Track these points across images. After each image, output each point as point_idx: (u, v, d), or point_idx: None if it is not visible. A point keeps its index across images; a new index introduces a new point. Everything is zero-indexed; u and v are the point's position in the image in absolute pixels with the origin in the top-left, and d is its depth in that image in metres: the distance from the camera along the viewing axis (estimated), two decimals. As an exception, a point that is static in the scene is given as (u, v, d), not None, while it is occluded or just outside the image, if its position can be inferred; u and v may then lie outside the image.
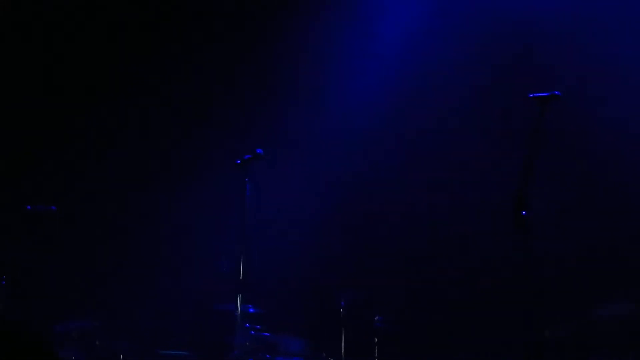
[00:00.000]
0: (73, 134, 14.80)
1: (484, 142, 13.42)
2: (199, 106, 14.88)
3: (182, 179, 14.63)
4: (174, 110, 14.85)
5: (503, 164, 12.07)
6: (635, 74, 12.50)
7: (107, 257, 14.55)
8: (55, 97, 14.61)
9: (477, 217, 13.18)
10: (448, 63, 13.79)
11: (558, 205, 12.38)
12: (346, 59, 14.67)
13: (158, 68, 14.84)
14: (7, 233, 12.84)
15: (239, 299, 10.07)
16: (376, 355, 12.74)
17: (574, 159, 12.77)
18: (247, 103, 14.84)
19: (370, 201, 14.28)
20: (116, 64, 14.82)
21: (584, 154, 12.76)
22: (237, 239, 10.13)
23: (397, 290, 13.68)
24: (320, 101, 14.57)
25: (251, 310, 12.36)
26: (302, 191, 14.20)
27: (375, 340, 12.77)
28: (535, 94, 7.71)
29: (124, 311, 14.11)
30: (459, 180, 13.66)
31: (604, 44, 12.70)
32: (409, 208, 14.02)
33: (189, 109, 14.87)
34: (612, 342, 11.42)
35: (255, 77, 14.87)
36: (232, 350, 11.83)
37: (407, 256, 13.89)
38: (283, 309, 13.03)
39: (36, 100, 14.51)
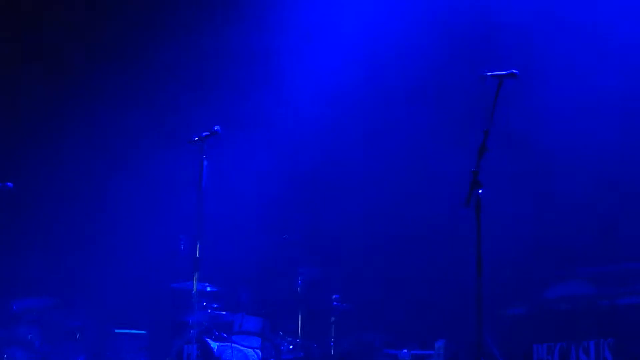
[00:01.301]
0: (30, 112, 14.72)
1: (440, 122, 13.45)
2: (158, 82, 14.81)
3: (138, 157, 14.55)
4: (131, 85, 14.77)
5: (458, 145, 12.13)
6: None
7: (64, 235, 14.48)
8: (8, 73, 14.53)
9: (432, 195, 13.21)
10: (406, 49, 13.79)
11: (510, 186, 12.49)
12: (311, 44, 14.63)
13: (115, 45, 14.78)
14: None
15: (195, 277, 10.01)
16: (333, 333, 12.78)
17: (525, 142, 12.86)
18: (205, 81, 14.80)
19: (328, 180, 14.28)
20: (75, 39, 14.75)
21: (536, 137, 12.84)
22: (194, 217, 10.06)
23: (353, 268, 13.72)
24: (281, 81, 14.55)
25: (208, 289, 12.37)
26: (260, 170, 14.19)
27: (332, 318, 12.81)
28: (492, 72, 7.71)
29: (81, 289, 14.07)
30: (416, 161, 13.67)
31: (561, 38, 12.78)
32: (367, 188, 14.05)
33: (147, 84, 14.81)
34: (565, 321, 11.52)
35: (216, 57, 14.82)
36: (189, 329, 11.83)
37: (363, 235, 13.93)
38: (240, 287, 13.02)
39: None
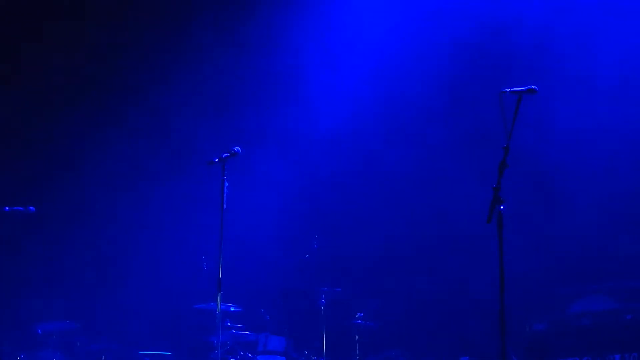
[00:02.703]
0: (51, 135, 14.75)
1: (460, 139, 13.47)
2: (177, 104, 14.85)
3: (160, 179, 14.59)
4: (151, 109, 14.81)
5: (479, 162, 12.13)
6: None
7: (87, 258, 14.51)
8: (31, 99, 14.59)
9: (454, 212, 13.20)
10: (425, 67, 13.78)
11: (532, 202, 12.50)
12: (330, 60, 14.64)
13: (136, 67, 14.81)
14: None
15: (218, 298, 9.98)
16: (357, 351, 12.76)
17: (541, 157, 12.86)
18: (225, 102, 14.83)
19: (350, 200, 14.29)
20: (96, 63, 14.79)
21: (556, 153, 12.83)
22: (216, 238, 10.03)
23: (376, 287, 13.70)
24: (301, 100, 14.57)
25: (232, 309, 12.36)
26: (281, 190, 14.20)
27: (357, 336, 12.79)
28: (511, 89, 7.67)
29: (104, 312, 14.09)
30: (437, 178, 13.67)
31: (577, 56, 12.80)
32: (388, 206, 14.05)
33: (167, 108, 14.84)
34: (589, 336, 11.47)
35: (235, 77, 14.84)
36: (213, 350, 11.82)
37: (386, 254, 13.91)
38: (263, 307, 13.01)
39: (12, 101, 14.49)
